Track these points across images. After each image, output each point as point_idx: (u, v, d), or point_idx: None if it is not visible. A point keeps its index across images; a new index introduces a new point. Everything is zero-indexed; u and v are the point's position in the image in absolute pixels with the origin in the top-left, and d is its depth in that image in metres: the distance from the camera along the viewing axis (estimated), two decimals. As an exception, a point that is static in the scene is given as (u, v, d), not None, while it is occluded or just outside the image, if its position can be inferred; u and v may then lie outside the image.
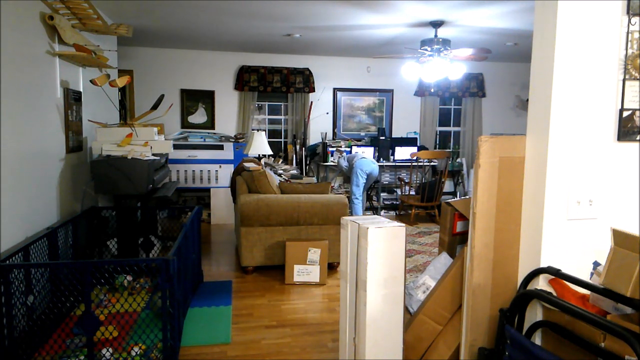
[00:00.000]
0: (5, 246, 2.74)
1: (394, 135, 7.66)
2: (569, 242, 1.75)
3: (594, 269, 1.75)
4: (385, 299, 2.18)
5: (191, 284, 3.65)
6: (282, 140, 7.61)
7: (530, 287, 1.76)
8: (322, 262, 4.06)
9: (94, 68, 4.39)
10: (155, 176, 3.92)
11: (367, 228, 2.12)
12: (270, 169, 5.20)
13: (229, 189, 5.97)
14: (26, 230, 3.03)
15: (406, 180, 6.97)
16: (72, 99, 3.88)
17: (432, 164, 7.31)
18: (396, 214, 7.17)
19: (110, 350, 2.64)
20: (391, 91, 7.71)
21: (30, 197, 3.12)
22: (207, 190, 6.41)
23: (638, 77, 1.72)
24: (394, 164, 7.17)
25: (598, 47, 1.70)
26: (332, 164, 7.07)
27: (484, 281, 1.91)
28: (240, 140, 6.63)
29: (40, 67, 3.34)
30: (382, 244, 2.14)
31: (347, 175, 6.25)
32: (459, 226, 2.31)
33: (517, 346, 1.61)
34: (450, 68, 5.45)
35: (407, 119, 7.78)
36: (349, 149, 7.19)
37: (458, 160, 7.86)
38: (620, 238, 1.47)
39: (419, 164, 6.87)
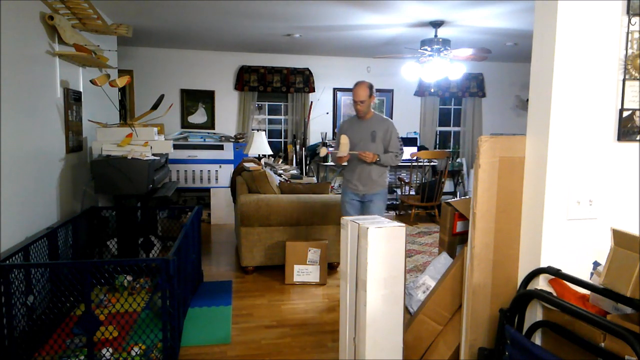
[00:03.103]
0: (5, 246, 2.74)
1: (394, 135, 7.64)
2: (569, 242, 1.75)
3: (594, 269, 1.75)
4: (385, 299, 2.18)
5: (191, 284, 3.65)
6: (282, 140, 7.61)
7: (530, 287, 1.76)
8: (322, 262, 4.06)
9: (94, 68, 4.39)
10: (155, 176, 3.92)
11: (367, 228, 2.12)
12: (270, 169, 5.20)
13: (229, 189, 5.96)
14: (26, 230, 3.03)
15: (406, 180, 6.97)
16: (72, 99, 3.88)
17: (432, 164, 7.31)
18: (396, 214, 7.17)
19: (110, 350, 2.64)
20: (391, 91, 7.72)
21: (30, 197, 3.12)
22: (207, 190, 6.41)
23: (638, 77, 1.72)
24: (394, 164, 7.15)
25: (598, 47, 1.70)
26: (332, 164, 7.07)
27: (484, 281, 1.91)
28: (240, 140, 6.63)
29: (40, 67, 3.34)
30: (382, 244, 2.14)
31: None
32: (459, 226, 2.31)
33: (517, 346, 1.61)
34: (450, 68, 5.45)
35: (407, 119, 7.77)
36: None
37: (458, 160, 7.87)
38: (620, 238, 1.47)
39: (419, 164, 6.87)
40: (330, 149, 4.91)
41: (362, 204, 3.78)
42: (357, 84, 3.64)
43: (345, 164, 3.76)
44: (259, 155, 6.22)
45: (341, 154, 3.61)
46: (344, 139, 3.58)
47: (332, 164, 7.17)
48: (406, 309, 2.32)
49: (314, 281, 4.07)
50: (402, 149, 3.79)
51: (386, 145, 3.73)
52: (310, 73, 7.36)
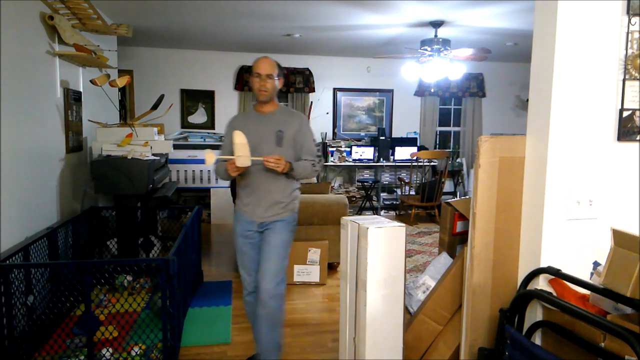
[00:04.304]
0: (5, 246, 2.74)
1: (394, 135, 7.66)
2: (569, 242, 1.75)
3: (594, 269, 1.75)
4: (385, 299, 2.18)
5: (191, 284, 3.65)
6: (282, 140, 7.60)
7: (530, 287, 1.76)
8: (322, 262, 4.06)
9: (94, 68, 4.39)
10: (155, 176, 3.92)
11: (367, 228, 2.12)
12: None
13: (229, 189, 5.96)
14: (26, 230, 3.03)
15: (406, 180, 6.97)
16: (72, 99, 3.88)
17: (432, 164, 7.31)
18: (396, 214, 7.17)
19: (110, 350, 2.64)
20: (391, 91, 7.72)
21: (30, 197, 3.12)
22: (207, 190, 6.41)
23: (638, 77, 1.72)
24: (394, 164, 7.17)
25: (598, 47, 1.70)
26: (332, 164, 7.08)
27: (484, 281, 1.91)
28: (240, 140, 6.61)
29: (40, 67, 3.34)
30: (382, 244, 2.14)
31: None
32: (459, 226, 2.31)
33: (517, 346, 1.61)
34: (450, 68, 5.45)
35: (407, 119, 7.77)
36: (349, 149, 7.19)
37: (458, 160, 7.87)
38: (620, 238, 1.47)
39: (419, 164, 6.87)
40: (217, 151, 2.72)
41: (260, 236, 2.55)
42: (261, 57, 2.48)
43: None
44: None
45: (241, 164, 2.32)
46: (239, 137, 2.31)
47: (333, 163, 7.14)
48: (406, 309, 2.32)
49: (314, 281, 4.07)
50: (320, 156, 2.61)
51: (298, 150, 2.53)
52: (310, 73, 7.35)
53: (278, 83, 2.48)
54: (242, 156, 2.30)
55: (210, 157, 2.37)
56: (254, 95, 2.53)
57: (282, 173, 2.42)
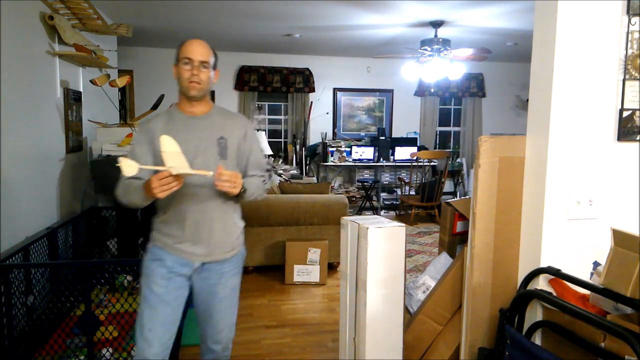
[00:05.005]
0: (5, 246, 2.74)
1: (394, 135, 7.66)
2: (569, 242, 1.75)
3: (594, 269, 1.75)
4: (385, 299, 2.18)
5: (191, 284, 3.64)
6: (282, 140, 7.61)
7: (530, 287, 1.76)
8: (322, 262, 4.06)
9: (94, 68, 4.39)
10: (155, 176, 3.91)
11: (367, 228, 2.12)
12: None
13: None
14: (26, 230, 3.03)
15: (406, 180, 6.97)
16: (72, 99, 3.88)
17: (432, 164, 7.31)
18: (396, 214, 7.17)
19: (110, 350, 2.64)
20: (391, 91, 7.72)
21: (30, 197, 3.12)
22: (207, 190, 6.39)
23: (638, 77, 1.72)
24: (394, 164, 7.17)
25: (598, 47, 1.70)
26: (332, 164, 7.08)
27: (484, 281, 1.90)
28: (240, 140, 6.61)
29: (40, 67, 3.34)
30: (382, 244, 2.14)
31: None
32: (459, 226, 2.31)
33: (517, 346, 1.61)
34: (450, 68, 5.45)
35: (407, 119, 7.78)
36: (349, 149, 7.19)
37: (458, 160, 7.87)
38: (620, 238, 1.47)
39: (419, 164, 6.87)
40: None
41: (188, 282, 1.92)
42: (192, 39, 1.97)
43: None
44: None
45: (178, 171, 1.61)
46: (170, 144, 1.64)
47: (333, 163, 7.14)
48: (406, 309, 2.32)
49: (314, 281, 4.07)
50: (270, 170, 2.02)
51: (243, 164, 1.92)
52: (310, 73, 7.36)
53: (214, 75, 1.90)
54: (172, 166, 1.60)
55: (130, 167, 1.69)
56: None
57: (231, 195, 1.76)
